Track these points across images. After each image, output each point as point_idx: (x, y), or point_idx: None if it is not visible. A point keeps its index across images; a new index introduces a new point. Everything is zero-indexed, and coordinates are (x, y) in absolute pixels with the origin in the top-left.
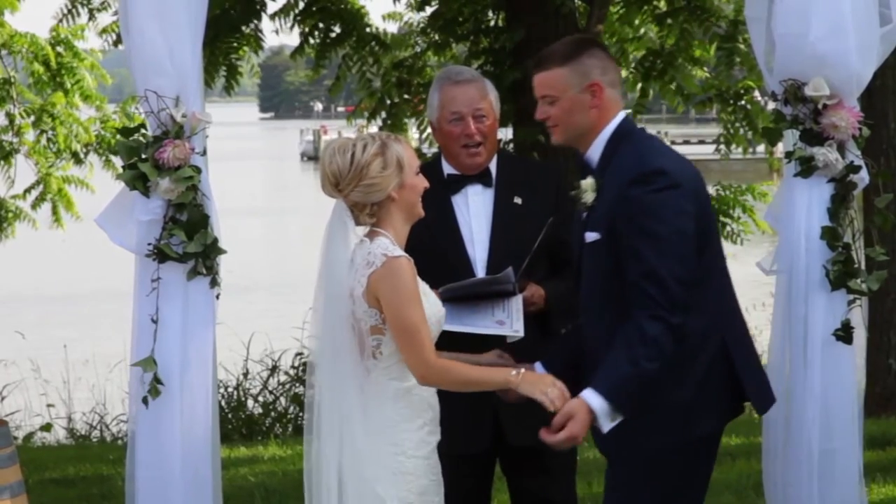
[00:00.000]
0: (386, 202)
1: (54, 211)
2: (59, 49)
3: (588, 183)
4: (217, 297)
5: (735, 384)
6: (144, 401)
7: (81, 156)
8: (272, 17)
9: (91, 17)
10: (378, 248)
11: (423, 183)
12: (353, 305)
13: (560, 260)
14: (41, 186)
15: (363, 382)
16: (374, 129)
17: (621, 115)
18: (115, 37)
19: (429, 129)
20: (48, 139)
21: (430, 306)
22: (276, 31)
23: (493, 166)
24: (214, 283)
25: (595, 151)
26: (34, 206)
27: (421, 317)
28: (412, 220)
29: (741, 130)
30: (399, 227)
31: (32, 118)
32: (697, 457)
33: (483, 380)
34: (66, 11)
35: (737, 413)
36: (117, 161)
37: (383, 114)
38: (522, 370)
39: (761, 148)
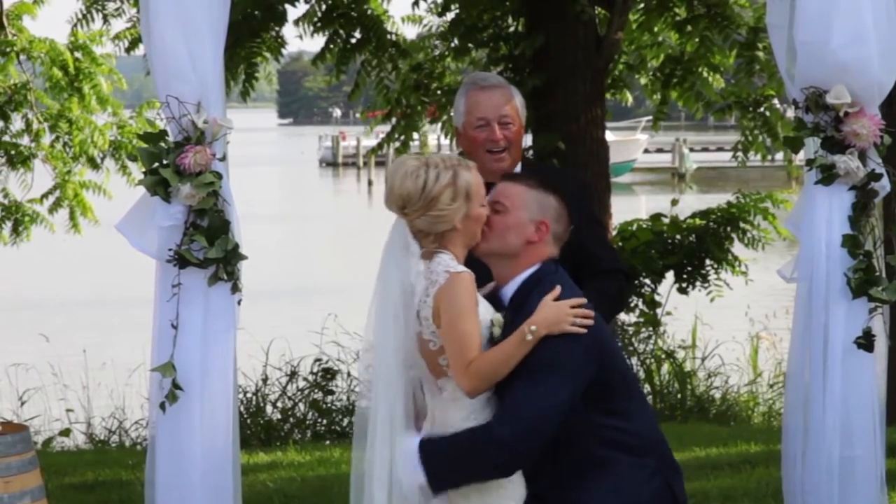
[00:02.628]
0: (449, 231)
1: (72, 216)
2: (78, 55)
3: (497, 319)
4: (238, 302)
5: None
6: (162, 406)
7: (98, 161)
8: (296, 22)
9: (105, 21)
10: (439, 267)
11: (486, 212)
12: (419, 328)
13: (582, 267)
14: (58, 191)
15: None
16: (387, 128)
17: (543, 263)
18: (128, 42)
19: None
20: (64, 144)
21: (484, 313)
22: (300, 37)
23: (517, 172)
24: (236, 288)
25: (509, 290)
26: (51, 210)
27: (475, 330)
28: (471, 246)
29: (760, 138)
30: (458, 251)
31: (49, 123)
32: None
33: (512, 353)
34: (80, 16)
35: None
36: (133, 167)
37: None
38: (533, 328)
39: (779, 155)
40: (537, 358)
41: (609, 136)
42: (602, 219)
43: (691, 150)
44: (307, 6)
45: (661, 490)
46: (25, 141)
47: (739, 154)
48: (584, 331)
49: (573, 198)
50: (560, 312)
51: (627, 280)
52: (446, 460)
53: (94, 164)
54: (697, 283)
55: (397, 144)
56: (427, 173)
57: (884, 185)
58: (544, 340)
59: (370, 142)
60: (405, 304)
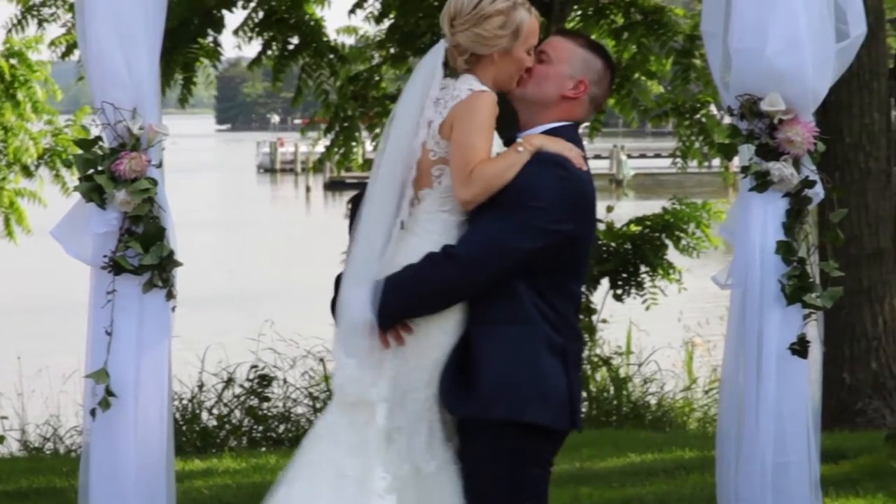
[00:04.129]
0: (486, 59)
1: (6, 224)
2: (13, 61)
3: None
4: (173, 309)
5: None
6: (93, 413)
7: (32, 169)
8: (235, 32)
9: (40, 26)
10: (464, 84)
11: (528, 61)
12: (423, 139)
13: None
14: None
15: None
16: (327, 142)
17: (569, 123)
18: (64, 48)
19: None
20: None
21: (495, 147)
22: (239, 46)
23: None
24: (171, 295)
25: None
26: None
27: (485, 147)
28: (499, 88)
29: (696, 144)
30: (486, 83)
31: None
32: None
33: (512, 160)
34: (15, 22)
35: None
36: (67, 175)
37: (337, 127)
38: (520, 140)
39: (717, 162)
40: (516, 187)
41: None
42: None
43: (629, 156)
44: (245, 12)
45: (561, 370)
46: None
47: (679, 160)
48: (578, 161)
49: None
50: (561, 144)
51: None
52: (401, 285)
53: (27, 172)
54: (632, 291)
55: (337, 157)
56: None
57: (817, 192)
58: (530, 168)
59: (308, 148)
60: (415, 121)
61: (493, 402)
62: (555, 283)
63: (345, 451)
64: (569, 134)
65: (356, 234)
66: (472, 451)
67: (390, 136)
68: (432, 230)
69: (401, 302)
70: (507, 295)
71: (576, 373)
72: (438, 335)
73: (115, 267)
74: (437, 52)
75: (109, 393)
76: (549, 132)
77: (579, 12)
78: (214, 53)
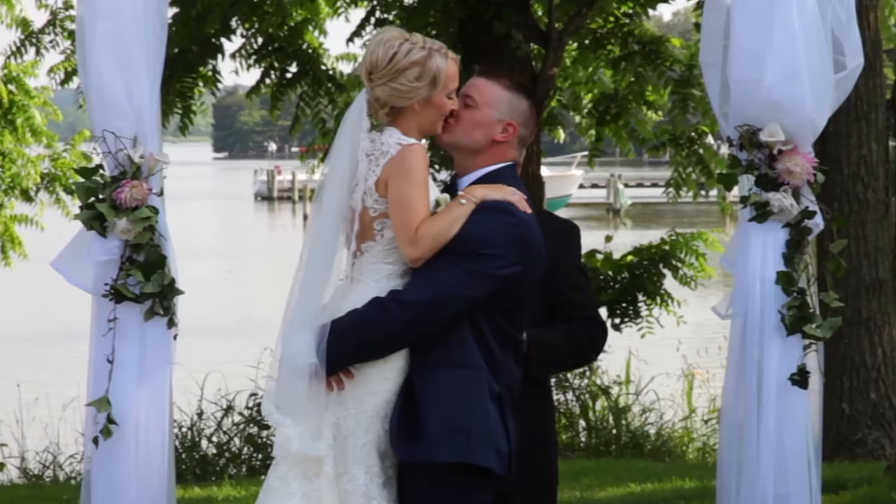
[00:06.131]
0: (407, 109)
1: (2, 250)
2: (11, 87)
3: (444, 198)
4: (175, 337)
5: None
6: (95, 441)
7: (31, 194)
8: (232, 56)
9: (38, 53)
10: (390, 139)
11: (450, 105)
12: (362, 195)
13: (556, 310)
14: None
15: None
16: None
17: (506, 164)
18: (63, 75)
19: None
20: None
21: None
22: (236, 72)
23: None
24: (172, 323)
25: (466, 181)
26: None
27: (423, 201)
28: (425, 135)
29: (693, 175)
30: (411, 133)
31: None
32: None
33: (456, 214)
34: (14, 49)
35: None
36: (68, 199)
37: None
38: (462, 194)
39: (714, 192)
40: (463, 236)
41: (544, 171)
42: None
43: (626, 185)
44: (242, 40)
45: (498, 415)
46: None
47: (671, 191)
48: (522, 205)
49: (557, 240)
50: (504, 190)
51: (603, 330)
52: (348, 329)
53: (27, 197)
54: (630, 320)
55: None
56: (400, 46)
57: (817, 223)
58: (476, 217)
59: (305, 176)
60: (351, 172)
61: (442, 445)
62: (495, 326)
63: (299, 502)
64: (508, 175)
65: (295, 283)
66: (415, 494)
67: (324, 191)
68: (378, 279)
69: (348, 346)
70: (452, 339)
71: (511, 418)
72: (379, 382)
73: (117, 295)
74: (360, 105)
75: (111, 421)
76: (488, 176)
77: (576, 43)
78: (213, 81)
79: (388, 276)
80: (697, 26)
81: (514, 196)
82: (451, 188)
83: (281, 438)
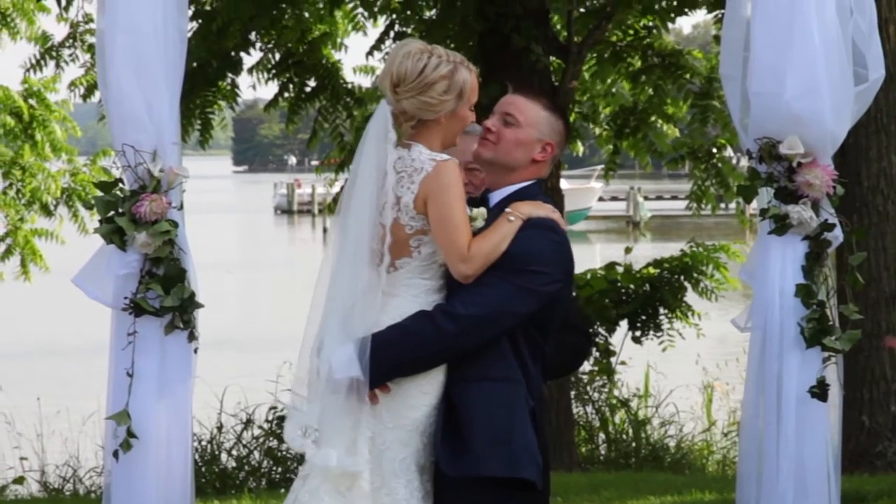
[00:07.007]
0: (432, 122)
1: (23, 263)
2: (32, 101)
3: (480, 212)
4: (195, 351)
5: None
6: (115, 454)
7: (51, 208)
8: (249, 70)
9: (58, 66)
10: (421, 155)
11: (471, 117)
12: (395, 211)
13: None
14: (9, 239)
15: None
16: (343, 181)
17: (535, 181)
18: (83, 90)
19: None
20: (17, 191)
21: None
22: (254, 87)
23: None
24: (192, 336)
25: (497, 196)
26: (2, 258)
27: (464, 217)
28: (445, 147)
29: (711, 188)
30: (434, 145)
31: (2, 170)
32: None
33: (505, 231)
34: (34, 62)
35: None
36: (86, 214)
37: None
38: (509, 210)
39: (733, 204)
40: (512, 253)
41: (564, 184)
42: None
43: (646, 198)
44: (261, 54)
45: (532, 429)
46: None
47: (693, 204)
48: (561, 222)
49: None
50: (545, 208)
51: (588, 339)
52: (395, 342)
53: (47, 212)
54: (650, 333)
55: None
56: (429, 59)
57: (836, 236)
58: (524, 234)
59: (325, 189)
60: (379, 186)
61: (489, 460)
62: (531, 341)
63: None
64: (536, 192)
65: (317, 297)
66: None
67: (351, 205)
68: (417, 294)
69: (393, 359)
70: (492, 353)
71: (542, 433)
72: (418, 396)
73: (136, 308)
74: (385, 116)
75: (131, 434)
76: (519, 192)
77: (595, 55)
78: (232, 95)
79: (427, 290)
80: (717, 39)
81: (554, 214)
82: (482, 202)
83: (320, 457)
